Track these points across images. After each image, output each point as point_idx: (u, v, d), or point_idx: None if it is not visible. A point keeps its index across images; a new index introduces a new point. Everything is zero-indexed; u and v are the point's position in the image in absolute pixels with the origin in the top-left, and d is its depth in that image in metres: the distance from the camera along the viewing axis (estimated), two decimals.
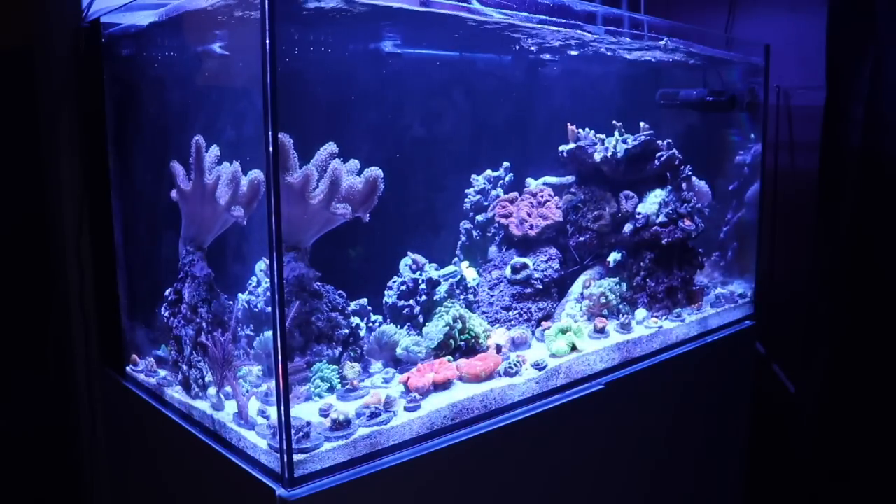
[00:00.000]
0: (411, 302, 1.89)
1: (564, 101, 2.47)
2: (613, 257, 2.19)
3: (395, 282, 1.94)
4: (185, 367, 1.62)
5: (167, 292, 1.70)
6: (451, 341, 1.78)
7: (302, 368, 1.57)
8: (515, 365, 1.72)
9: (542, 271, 2.12)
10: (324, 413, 1.45)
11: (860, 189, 2.42)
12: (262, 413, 1.44)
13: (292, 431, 1.30)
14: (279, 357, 1.27)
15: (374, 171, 1.65)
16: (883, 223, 2.41)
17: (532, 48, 2.21)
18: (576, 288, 2.18)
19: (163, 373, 1.75)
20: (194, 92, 1.75)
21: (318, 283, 1.67)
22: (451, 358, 1.73)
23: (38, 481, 2.02)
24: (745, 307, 2.48)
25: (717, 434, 2.35)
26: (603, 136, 2.27)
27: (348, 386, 1.57)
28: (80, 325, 1.93)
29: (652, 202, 2.21)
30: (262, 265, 1.70)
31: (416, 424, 1.49)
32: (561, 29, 1.99)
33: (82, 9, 1.85)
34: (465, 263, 2.21)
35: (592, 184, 2.29)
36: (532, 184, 2.35)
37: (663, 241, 2.17)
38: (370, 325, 1.88)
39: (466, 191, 2.31)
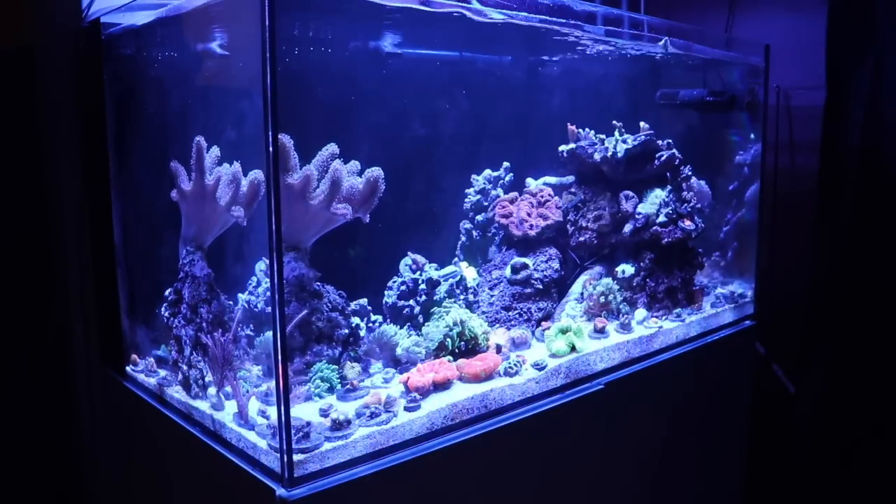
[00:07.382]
0: (411, 302, 1.90)
1: (564, 100, 2.47)
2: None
3: (395, 282, 1.94)
4: (185, 367, 1.62)
5: (167, 292, 1.70)
6: (449, 341, 1.78)
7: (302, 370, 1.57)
8: (515, 365, 1.72)
9: (542, 271, 2.12)
10: (324, 413, 1.45)
11: (860, 189, 2.42)
12: (262, 413, 1.44)
13: (292, 431, 1.30)
14: (279, 357, 1.27)
15: (375, 172, 1.65)
16: (883, 223, 2.41)
17: (532, 48, 2.21)
18: (576, 288, 2.18)
19: (163, 373, 1.75)
20: (194, 92, 1.75)
21: (319, 283, 1.66)
22: (450, 358, 1.73)
23: (39, 481, 2.02)
24: (745, 307, 2.47)
25: (717, 434, 2.35)
26: (603, 136, 2.27)
27: (348, 386, 1.57)
28: (80, 325, 1.93)
29: (652, 202, 2.21)
30: (261, 265, 1.70)
31: (416, 424, 1.49)
32: (560, 28, 1.99)
33: (82, 9, 1.85)
34: (465, 263, 2.21)
35: (592, 184, 2.30)
36: (532, 184, 2.35)
37: (663, 242, 2.17)
38: (370, 325, 1.87)
39: (466, 191, 2.31)
